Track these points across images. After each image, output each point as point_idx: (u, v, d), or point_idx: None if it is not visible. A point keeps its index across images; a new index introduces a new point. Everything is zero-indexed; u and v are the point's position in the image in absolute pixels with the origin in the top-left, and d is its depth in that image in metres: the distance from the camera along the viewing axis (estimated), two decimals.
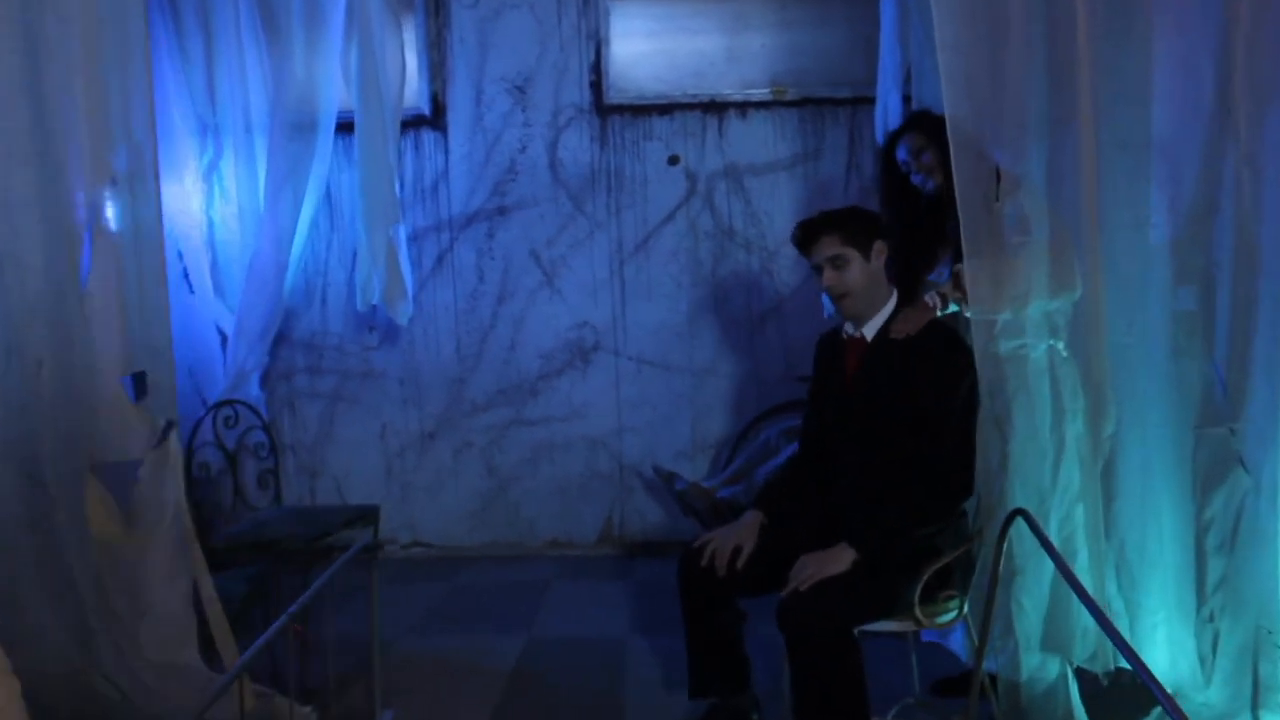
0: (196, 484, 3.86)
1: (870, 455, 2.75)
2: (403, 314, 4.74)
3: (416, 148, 4.93)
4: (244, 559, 3.70)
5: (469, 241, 4.96)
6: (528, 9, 4.86)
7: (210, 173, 4.69)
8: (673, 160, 4.90)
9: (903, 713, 2.92)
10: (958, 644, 3.18)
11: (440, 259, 4.97)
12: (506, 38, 4.88)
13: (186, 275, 4.55)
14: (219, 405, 4.15)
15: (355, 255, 4.82)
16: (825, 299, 3.52)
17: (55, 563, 2.54)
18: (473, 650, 3.79)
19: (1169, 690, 1.98)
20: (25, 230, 2.50)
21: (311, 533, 3.72)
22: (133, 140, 2.54)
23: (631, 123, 4.91)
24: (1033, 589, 2.63)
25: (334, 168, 4.82)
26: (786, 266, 4.84)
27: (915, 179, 3.25)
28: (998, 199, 2.59)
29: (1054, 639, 2.64)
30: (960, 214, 2.55)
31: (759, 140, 4.89)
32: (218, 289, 4.65)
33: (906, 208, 3.32)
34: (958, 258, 2.72)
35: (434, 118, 4.93)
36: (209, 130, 4.71)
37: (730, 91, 4.89)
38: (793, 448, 3.23)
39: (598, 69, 4.88)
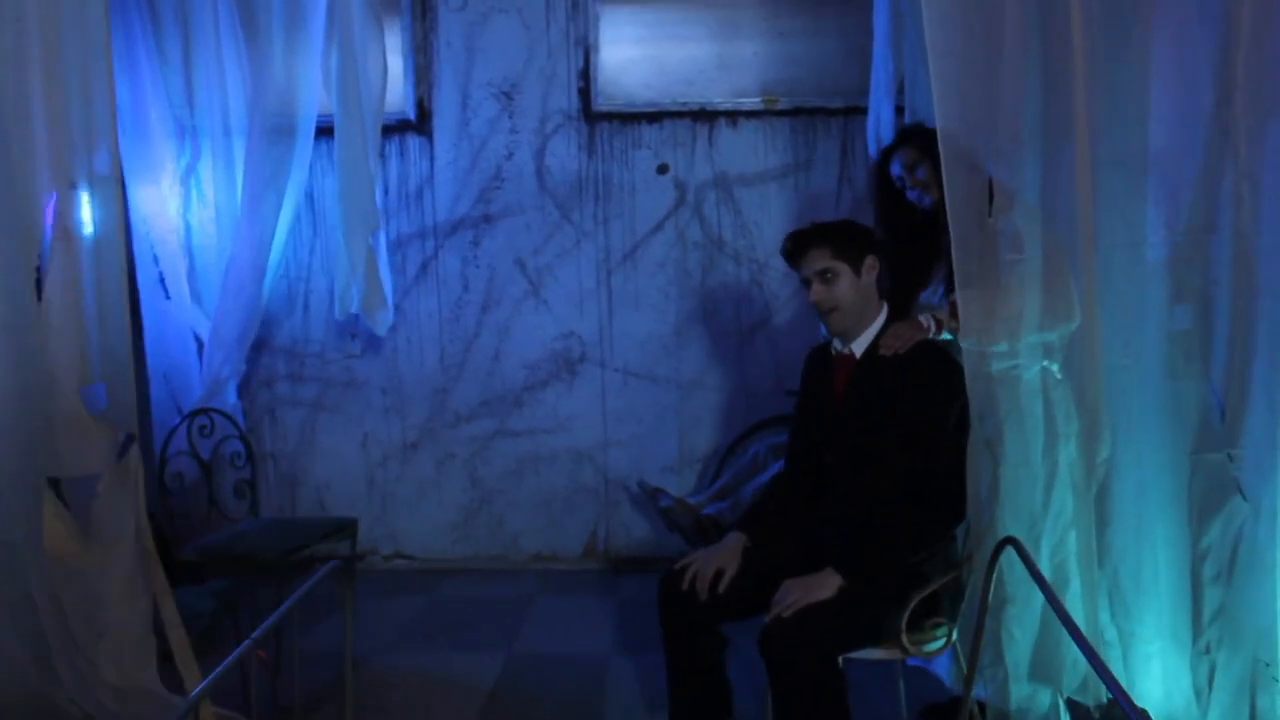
0: (169, 494, 3.77)
1: (861, 473, 2.69)
2: (381, 324, 4.66)
3: (401, 153, 4.86)
4: (216, 571, 3.63)
5: (454, 249, 4.89)
6: (515, 14, 4.78)
7: (188, 176, 4.60)
8: (662, 169, 4.83)
9: None
10: (942, 668, 3.11)
11: (424, 267, 4.90)
12: (494, 42, 4.80)
13: (162, 280, 4.46)
14: (194, 414, 4.06)
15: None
16: None
17: (13, 580, 2.44)
18: (451, 667, 3.73)
19: None
20: None
21: (287, 545, 3.63)
22: (94, 145, 2.46)
23: (620, 130, 4.84)
24: (1023, 618, 2.58)
25: (317, 172, 4.76)
26: (776, 278, 4.77)
27: (911, 195, 3.19)
28: (991, 215, 2.52)
29: (1042, 669, 2.59)
30: (951, 230, 2.50)
31: (749, 150, 4.83)
32: (194, 295, 4.55)
33: (901, 223, 3.26)
34: (953, 275, 2.65)
35: (419, 123, 4.85)
36: (186, 133, 4.62)
37: (721, 100, 4.82)
38: (780, 465, 3.16)
39: (586, 75, 4.81)
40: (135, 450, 2.55)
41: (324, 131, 4.52)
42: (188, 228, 4.58)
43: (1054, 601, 2.16)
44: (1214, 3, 2.47)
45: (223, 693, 2.40)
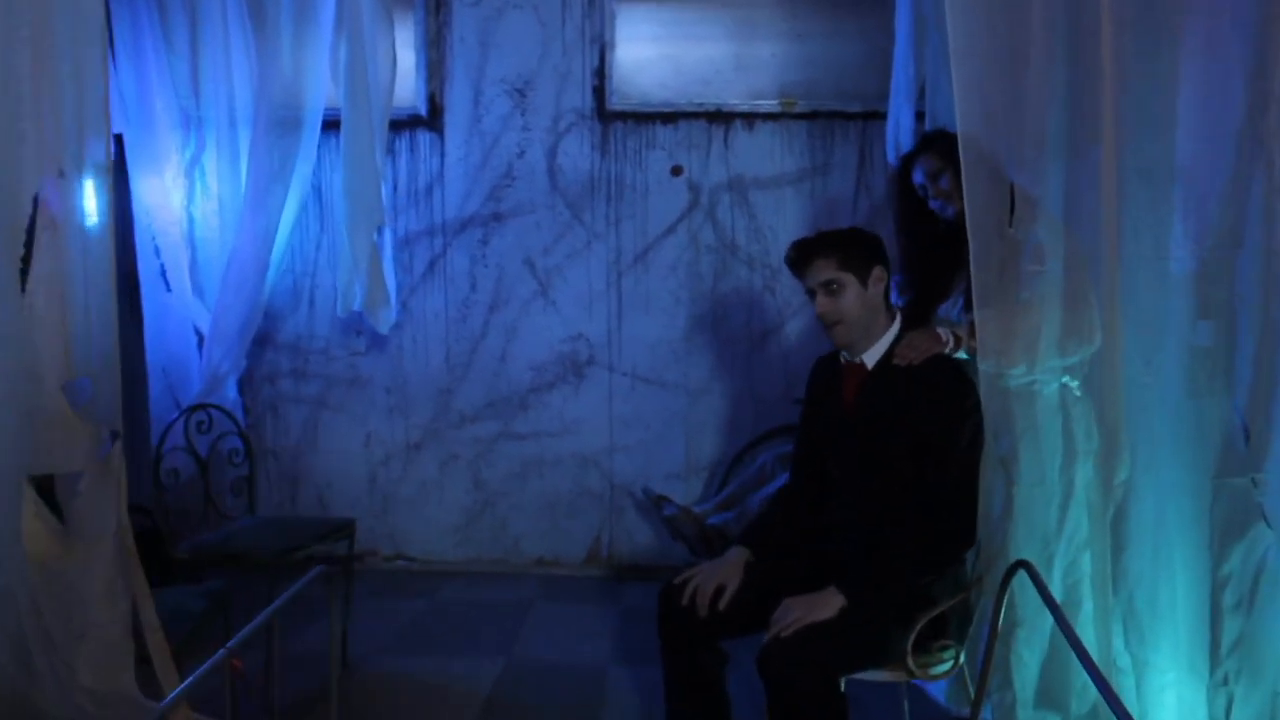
0: (165, 490, 3.71)
1: (869, 483, 2.61)
2: (384, 322, 4.59)
3: (412, 149, 4.80)
4: (209, 570, 3.58)
5: (462, 247, 4.82)
6: (531, 9, 4.71)
7: (192, 167, 4.54)
8: (675, 171, 4.75)
9: None
10: (938, 688, 3.02)
11: (432, 265, 4.83)
12: (508, 38, 4.73)
13: (164, 273, 4.41)
14: (192, 409, 4.00)
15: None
16: None
17: None
18: (447, 673, 3.67)
19: None
20: None
21: (283, 545, 3.59)
22: (86, 132, 2.38)
23: (634, 130, 4.76)
24: (1033, 641, 2.51)
25: (326, 167, 4.70)
26: (789, 285, 4.68)
27: (933, 204, 3.10)
28: (1012, 224, 2.44)
29: (1051, 695, 2.51)
30: (971, 239, 2.41)
31: (765, 153, 4.74)
32: (196, 288, 4.49)
33: (922, 230, 3.18)
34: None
35: (430, 118, 4.78)
36: (192, 123, 4.56)
37: (737, 101, 4.74)
38: (786, 476, 3.09)
39: (601, 73, 4.74)
40: (118, 448, 2.47)
41: (333, 125, 4.45)
42: (191, 220, 4.52)
43: (1065, 626, 2.09)
44: (1248, 8, 2.38)
45: (203, 699, 2.33)
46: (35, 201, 2.31)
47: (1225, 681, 2.43)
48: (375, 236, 4.42)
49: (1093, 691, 2.42)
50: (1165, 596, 2.52)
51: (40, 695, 2.44)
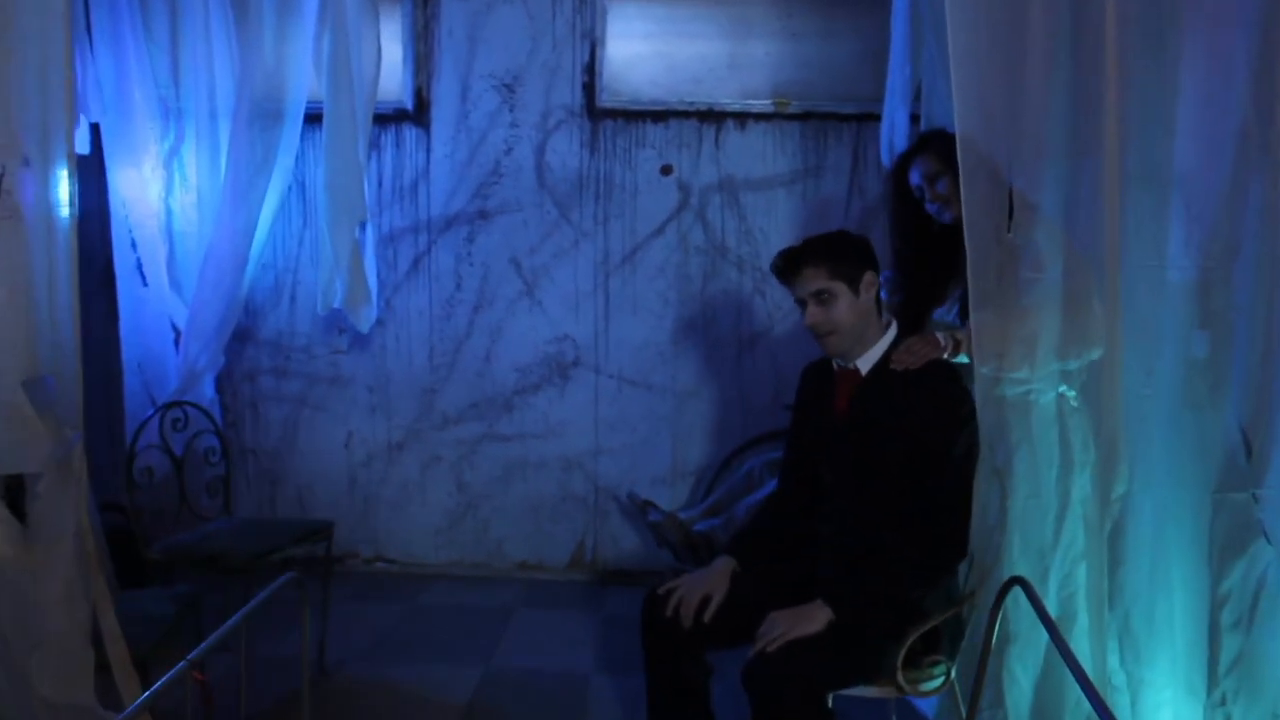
0: (138, 489, 3.62)
1: (861, 490, 2.55)
2: (365, 320, 4.49)
3: (397, 144, 4.71)
4: (183, 572, 3.51)
5: (447, 245, 4.73)
6: (520, 3, 4.62)
7: (171, 159, 4.42)
8: (665, 170, 4.68)
9: None
10: (928, 706, 2.96)
11: (416, 262, 4.74)
12: (497, 33, 4.65)
13: (140, 266, 4.29)
14: (168, 406, 3.91)
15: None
16: None
17: None
18: (425, 680, 3.61)
19: None
20: None
21: (258, 547, 3.52)
22: (50, 121, 2.29)
23: (624, 128, 4.68)
24: (1026, 657, 2.47)
25: (309, 162, 4.60)
26: (779, 288, 4.54)
27: (930, 208, 3.04)
28: (1010, 230, 2.37)
29: (1044, 712, 2.47)
30: (968, 244, 2.35)
31: (757, 153, 4.66)
32: (174, 282, 4.37)
33: (917, 235, 3.11)
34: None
35: (417, 113, 4.70)
36: (171, 114, 4.44)
37: (729, 101, 4.66)
38: (774, 484, 3.03)
39: (591, 70, 4.65)
40: (79, 449, 2.39)
41: (316, 118, 4.35)
42: (169, 213, 4.40)
43: (1060, 643, 2.03)
44: (1251, 10, 2.33)
45: (169, 710, 2.25)
46: None
47: (1223, 701, 2.41)
48: (357, 233, 4.31)
49: (1087, 709, 2.36)
50: (1162, 613, 2.49)
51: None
